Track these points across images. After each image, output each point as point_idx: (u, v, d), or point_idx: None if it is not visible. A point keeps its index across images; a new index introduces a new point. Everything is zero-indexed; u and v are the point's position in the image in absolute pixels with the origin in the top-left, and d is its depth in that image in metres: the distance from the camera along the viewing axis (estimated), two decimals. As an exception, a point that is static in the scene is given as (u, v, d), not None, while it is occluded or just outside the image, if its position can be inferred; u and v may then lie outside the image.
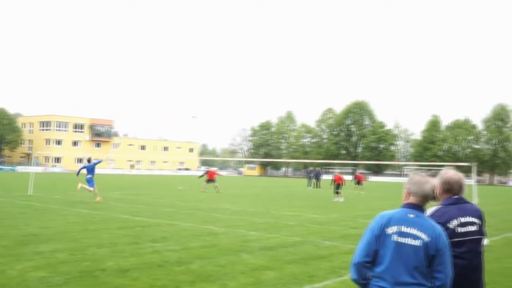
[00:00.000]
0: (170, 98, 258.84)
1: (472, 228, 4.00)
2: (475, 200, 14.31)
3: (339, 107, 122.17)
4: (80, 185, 23.42)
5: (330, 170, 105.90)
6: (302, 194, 36.01)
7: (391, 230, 3.56)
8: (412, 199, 3.68)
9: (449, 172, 4.18)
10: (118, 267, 8.78)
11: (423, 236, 3.49)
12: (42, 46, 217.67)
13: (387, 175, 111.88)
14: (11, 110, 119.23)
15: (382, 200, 31.26)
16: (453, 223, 3.92)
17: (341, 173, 31.70)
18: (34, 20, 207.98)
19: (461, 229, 3.94)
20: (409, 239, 3.50)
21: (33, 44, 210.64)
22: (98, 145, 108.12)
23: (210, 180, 34.69)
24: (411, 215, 3.59)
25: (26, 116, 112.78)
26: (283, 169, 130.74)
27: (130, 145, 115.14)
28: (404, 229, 3.53)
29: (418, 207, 3.65)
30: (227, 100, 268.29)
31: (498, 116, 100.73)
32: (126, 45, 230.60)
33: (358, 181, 42.11)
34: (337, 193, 28.63)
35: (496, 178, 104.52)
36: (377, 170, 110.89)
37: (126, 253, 10.20)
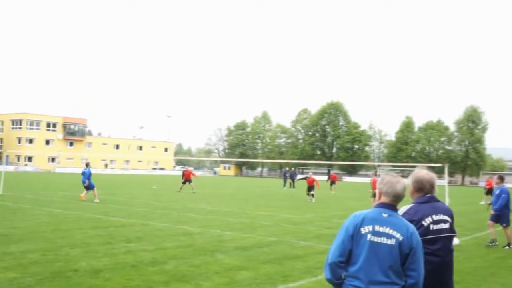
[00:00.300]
0: (145, 97, 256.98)
1: (445, 226, 4.08)
2: (446, 200, 14.49)
3: (314, 108, 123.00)
4: (84, 193, 23.53)
5: (305, 171, 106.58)
6: (278, 194, 36.09)
7: (365, 229, 3.57)
8: (384, 199, 3.71)
9: (421, 172, 4.26)
10: (91, 268, 8.67)
11: (397, 235, 3.53)
12: (12, 42, 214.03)
13: (362, 175, 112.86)
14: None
15: (356, 201, 31.51)
16: (427, 221, 3.98)
17: (314, 174, 32.07)
18: (3, 15, 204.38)
19: (434, 227, 4.01)
20: (384, 238, 3.53)
21: (3, 41, 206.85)
22: (71, 144, 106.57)
23: (187, 180, 34.20)
24: (385, 215, 3.62)
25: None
26: (259, 169, 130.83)
27: (104, 144, 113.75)
28: (378, 228, 3.55)
29: (391, 206, 3.68)
30: (202, 100, 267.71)
31: (470, 118, 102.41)
32: (100, 43, 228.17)
33: (332, 181, 42.45)
34: (312, 195, 28.32)
35: (468, 179, 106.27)
36: (352, 170, 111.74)
37: (99, 253, 10.08)
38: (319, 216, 20.00)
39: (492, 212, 13.34)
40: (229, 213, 20.03)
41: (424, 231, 3.92)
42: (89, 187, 23.28)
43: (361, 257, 3.53)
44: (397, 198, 3.70)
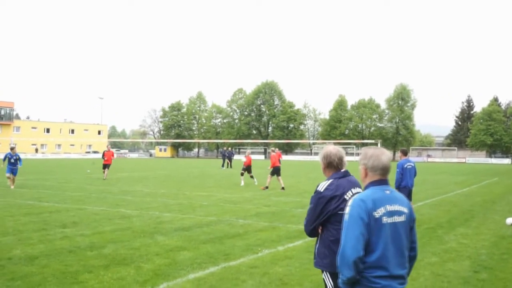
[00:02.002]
0: (75, 79, 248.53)
1: None
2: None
3: (249, 88, 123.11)
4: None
5: (242, 150, 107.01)
6: (215, 175, 36.10)
7: (378, 213, 3.31)
8: (376, 175, 3.49)
9: (329, 147, 4.32)
10: (26, 255, 8.40)
11: (405, 210, 3.45)
12: None
13: (297, 153, 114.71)
14: None
15: (292, 178, 32.01)
16: (348, 195, 4.07)
17: (251, 153, 29.92)
18: None
19: None
20: (396, 217, 3.38)
21: None
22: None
23: (107, 164, 29.16)
24: (387, 192, 3.44)
25: None
26: (195, 150, 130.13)
27: (34, 128, 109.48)
28: (390, 207, 3.36)
29: (386, 181, 3.52)
30: (135, 80, 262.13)
31: (400, 96, 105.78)
32: (26, 20, 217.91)
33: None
34: (251, 176, 26.24)
35: (398, 155, 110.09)
36: (288, 149, 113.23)
37: (33, 240, 9.78)
38: (257, 195, 20.20)
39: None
40: (167, 194, 19.87)
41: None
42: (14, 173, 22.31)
43: (380, 243, 3.28)
44: (386, 171, 3.49)
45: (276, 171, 23.37)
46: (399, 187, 12.97)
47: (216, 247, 9.35)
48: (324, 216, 4.03)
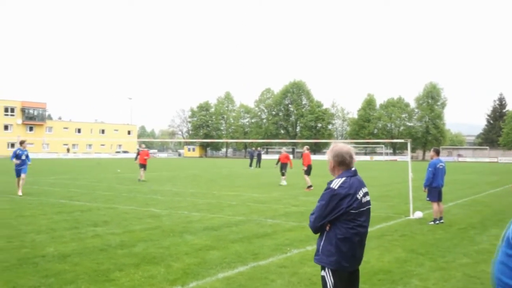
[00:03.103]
0: (105, 80, 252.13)
1: (368, 198, 4.22)
2: (410, 175, 14.83)
3: (277, 87, 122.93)
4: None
5: (270, 150, 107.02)
6: (243, 174, 36.18)
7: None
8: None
9: (338, 145, 4.29)
10: (59, 253, 8.56)
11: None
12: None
13: (325, 153, 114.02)
14: None
15: (320, 178, 31.77)
16: (360, 194, 4.07)
17: (287, 152, 28.23)
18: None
19: (364, 199, 4.12)
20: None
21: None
22: (31, 129, 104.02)
23: (143, 164, 27.55)
24: None
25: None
26: (223, 150, 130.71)
27: (65, 128, 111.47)
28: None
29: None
30: (164, 81, 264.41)
31: (429, 94, 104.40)
32: (59, 25, 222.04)
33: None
34: (282, 174, 26.11)
35: (429, 154, 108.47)
36: (316, 149, 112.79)
37: (66, 238, 9.95)
38: (285, 194, 20.17)
39: (424, 189, 13.10)
40: (196, 194, 20.00)
41: (359, 204, 4.02)
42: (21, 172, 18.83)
43: None
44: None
45: (310, 170, 23.23)
46: (429, 187, 12.78)
47: (245, 247, 9.36)
48: (335, 214, 4.01)
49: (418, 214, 13.65)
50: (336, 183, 4.07)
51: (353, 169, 4.20)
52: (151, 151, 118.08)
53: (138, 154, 28.41)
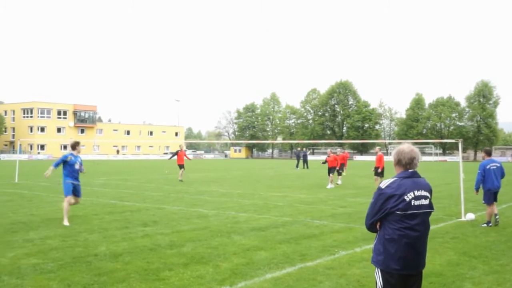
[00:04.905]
0: (153, 82, 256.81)
1: (425, 202, 4.11)
2: (460, 176, 14.48)
3: (323, 88, 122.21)
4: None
5: (316, 151, 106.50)
6: (290, 175, 36.14)
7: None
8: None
9: (403, 145, 4.29)
10: (111, 252, 8.78)
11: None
12: (21, 32, 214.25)
13: (373, 154, 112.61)
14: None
15: (368, 178, 31.45)
16: (409, 196, 4.01)
17: (335, 153, 26.60)
18: (13, 8, 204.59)
19: (415, 202, 4.04)
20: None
21: (12, 31, 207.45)
22: (82, 131, 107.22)
23: (181, 164, 28.20)
24: None
25: (7, 104, 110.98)
26: (269, 150, 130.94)
27: (115, 130, 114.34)
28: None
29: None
30: (211, 83, 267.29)
31: (481, 93, 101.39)
32: (107, 30, 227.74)
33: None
34: (339, 173, 25.74)
35: (480, 155, 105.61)
36: (363, 149, 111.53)
37: (117, 237, 10.20)
38: (332, 196, 20.03)
39: (475, 192, 12.77)
40: (242, 194, 20.12)
41: (406, 206, 3.97)
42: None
43: None
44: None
45: (382, 172, 22.41)
46: (484, 189, 12.35)
47: (292, 248, 9.36)
48: (382, 213, 4.03)
49: (470, 216, 13.30)
50: (385, 183, 4.11)
51: (410, 170, 4.16)
52: (198, 152, 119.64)
53: (175, 154, 28.93)
